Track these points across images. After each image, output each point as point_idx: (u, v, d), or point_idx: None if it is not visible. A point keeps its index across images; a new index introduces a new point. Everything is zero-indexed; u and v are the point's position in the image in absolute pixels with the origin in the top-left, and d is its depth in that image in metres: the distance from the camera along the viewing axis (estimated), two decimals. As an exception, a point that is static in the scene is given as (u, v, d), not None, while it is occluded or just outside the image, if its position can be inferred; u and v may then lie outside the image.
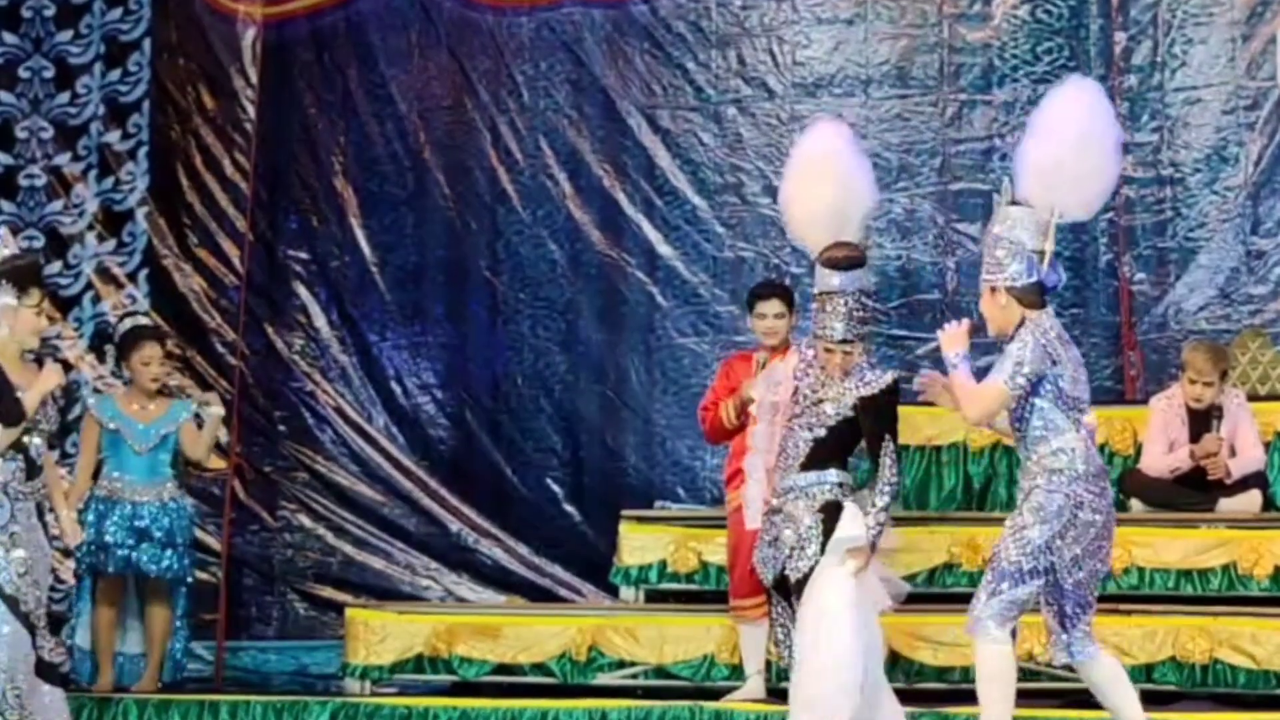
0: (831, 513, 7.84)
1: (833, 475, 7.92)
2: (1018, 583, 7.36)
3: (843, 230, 8.02)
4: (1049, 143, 7.52)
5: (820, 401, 7.93)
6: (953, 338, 7.54)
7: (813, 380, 7.95)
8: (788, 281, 11.65)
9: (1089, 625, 7.51)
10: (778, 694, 9.03)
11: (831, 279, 7.91)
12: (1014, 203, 7.59)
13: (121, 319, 10.74)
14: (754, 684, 9.24)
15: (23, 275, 8.37)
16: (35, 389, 8.24)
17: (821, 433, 7.92)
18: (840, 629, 7.68)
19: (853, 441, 7.99)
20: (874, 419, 7.92)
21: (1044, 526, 7.36)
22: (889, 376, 8.00)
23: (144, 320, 10.68)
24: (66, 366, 9.28)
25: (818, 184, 8.08)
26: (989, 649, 7.39)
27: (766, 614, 8.90)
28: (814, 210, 8.06)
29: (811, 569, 7.78)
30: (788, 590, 7.92)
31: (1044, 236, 7.52)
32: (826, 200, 8.03)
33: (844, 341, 7.87)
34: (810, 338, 8.12)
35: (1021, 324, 7.47)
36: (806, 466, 7.91)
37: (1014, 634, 7.54)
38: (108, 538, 9.98)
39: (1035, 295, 7.51)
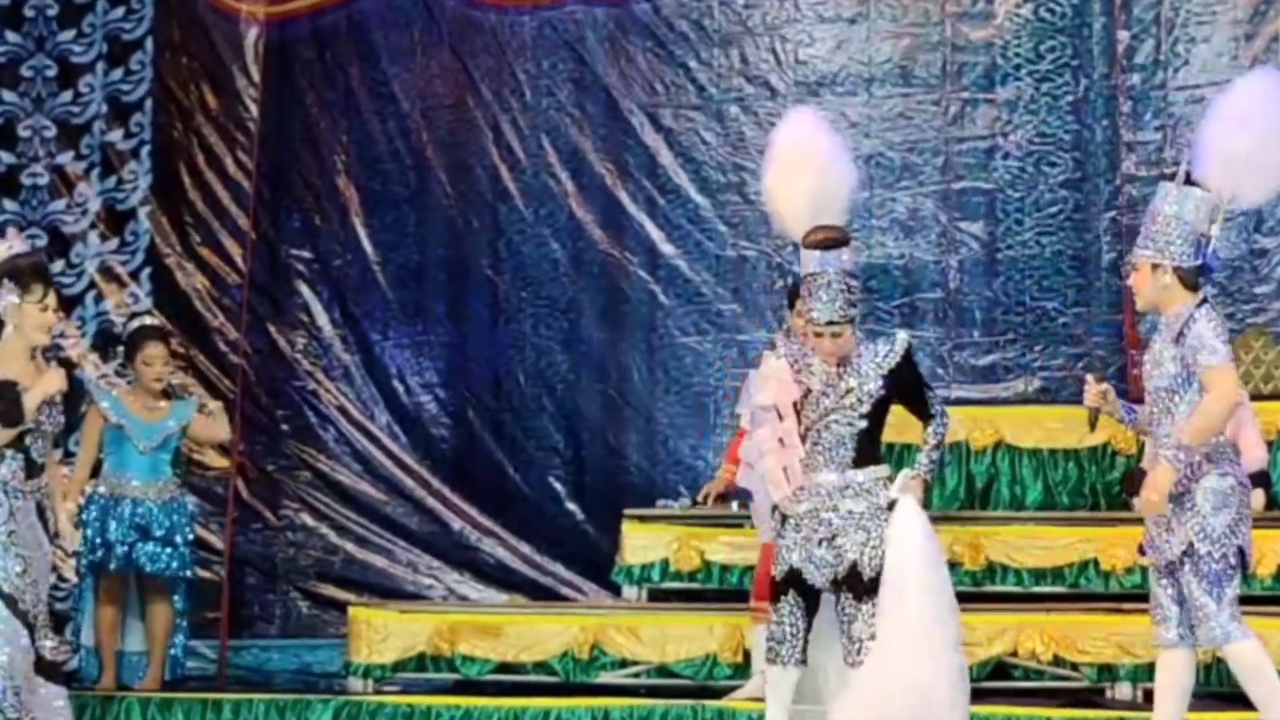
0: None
1: (884, 469, 7.89)
2: (1231, 577, 7.36)
3: (824, 217, 7.99)
4: (1243, 130, 7.43)
5: (848, 391, 7.87)
6: (1159, 487, 7.42)
7: (823, 375, 7.89)
8: (789, 280, 11.69)
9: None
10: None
11: (812, 260, 7.87)
12: (1189, 182, 7.51)
13: (130, 318, 10.75)
14: (757, 682, 9.23)
15: (24, 273, 8.37)
16: (35, 391, 8.23)
17: (863, 423, 7.83)
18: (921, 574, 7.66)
19: (884, 421, 7.97)
20: (909, 382, 7.90)
21: (1224, 511, 7.35)
22: (903, 337, 7.97)
23: (149, 319, 10.68)
24: (69, 365, 9.27)
25: (798, 174, 8.04)
26: (1243, 646, 7.37)
27: None
28: (797, 201, 8.03)
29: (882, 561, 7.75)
30: (812, 593, 7.87)
31: (1213, 220, 7.47)
32: (808, 189, 7.99)
33: (830, 323, 7.81)
34: (782, 335, 8.11)
35: (1202, 304, 7.42)
36: (860, 463, 7.85)
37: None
38: (109, 535, 9.99)
39: (1196, 278, 7.48)
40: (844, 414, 7.80)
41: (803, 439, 7.85)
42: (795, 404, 7.88)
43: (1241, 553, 7.40)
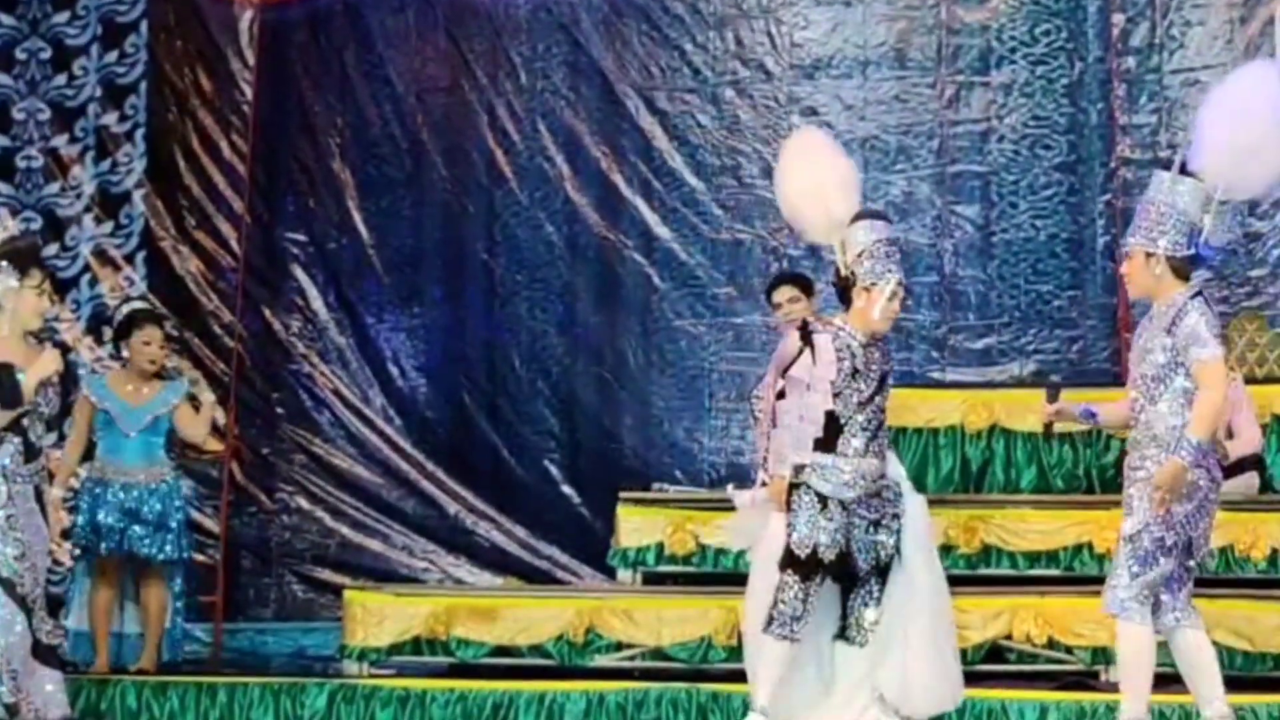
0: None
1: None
2: (1158, 561, 7.39)
3: (850, 200, 8.04)
4: (1240, 122, 7.45)
5: (883, 375, 7.93)
6: (1169, 481, 7.39)
7: (863, 356, 7.89)
8: (785, 264, 11.70)
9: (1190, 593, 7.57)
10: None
11: (884, 228, 7.96)
12: (1184, 172, 7.52)
13: (123, 302, 10.74)
14: None
15: (23, 256, 8.37)
16: (33, 372, 8.24)
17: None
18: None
19: None
20: None
21: (1186, 502, 7.39)
22: None
23: (141, 303, 10.70)
24: (64, 349, 9.27)
25: (814, 174, 8.08)
26: (1135, 629, 7.43)
27: None
28: (821, 193, 8.04)
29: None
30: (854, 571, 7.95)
31: (1206, 211, 7.48)
32: (824, 182, 8.04)
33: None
34: (820, 320, 8.06)
35: (1195, 295, 7.45)
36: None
37: (1156, 607, 7.53)
38: (100, 519, 9.98)
39: (1189, 267, 7.51)
40: (882, 396, 7.88)
41: (842, 425, 7.85)
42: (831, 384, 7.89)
43: (1190, 544, 7.43)
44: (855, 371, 7.83)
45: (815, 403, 7.82)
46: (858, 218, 7.97)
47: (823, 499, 7.81)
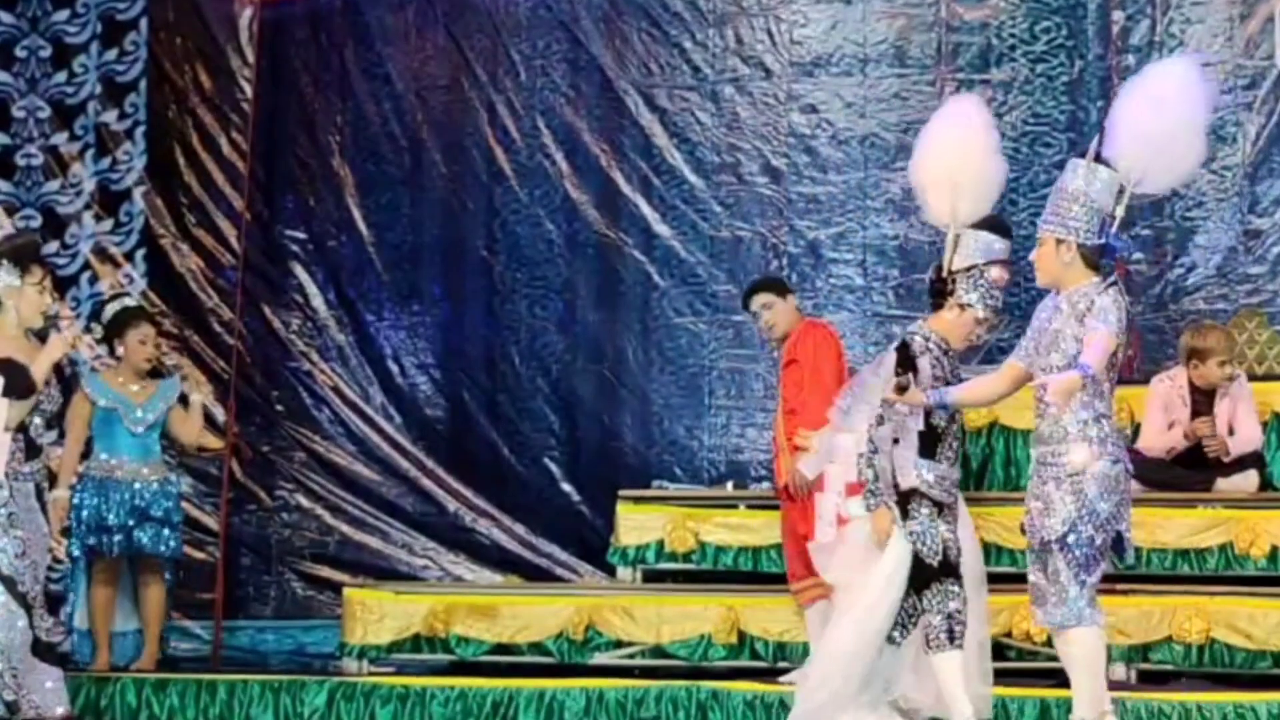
0: None
1: None
2: (1097, 563, 7.41)
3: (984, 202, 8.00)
4: (1158, 115, 7.46)
5: (961, 381, 7.95)
6: (1062, 387, 7.35)
7: (953, 362, 7.89)
8: (785, 260, 11.67)
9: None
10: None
11: (1002, 250, 7.95)
12: (1098, 160, 7.52)
13: (111, 299, 10.75)
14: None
15: (23, 254, 8.39)
16: (43, 357, 8.26)
17: None
18: None
19: None
20: None
21: (1110, 497, 7.39)
22: None
23: (131, 300, 10.72)
24: (64, 346, 9.27)
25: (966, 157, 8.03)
26: (1092, 632, 7.45)
27: (825, 595, 8.73)
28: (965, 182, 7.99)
29: None
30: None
31: (1119, 201, 7.48)
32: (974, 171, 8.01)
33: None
34: (921, 327, 8.03)
35: (1113, 285, 7.46)
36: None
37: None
38: (107, 519, 9.98)
39: (1099, 257, 7.51)
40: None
41: (939, 435, 7.83)
42: None
43: (1120, 537, 7.45)
44: (947, 382, 7.83)
45: (911, 426, 7.80)
46: (981, 224, 7.90)
47: (937, 504, 7.80)
